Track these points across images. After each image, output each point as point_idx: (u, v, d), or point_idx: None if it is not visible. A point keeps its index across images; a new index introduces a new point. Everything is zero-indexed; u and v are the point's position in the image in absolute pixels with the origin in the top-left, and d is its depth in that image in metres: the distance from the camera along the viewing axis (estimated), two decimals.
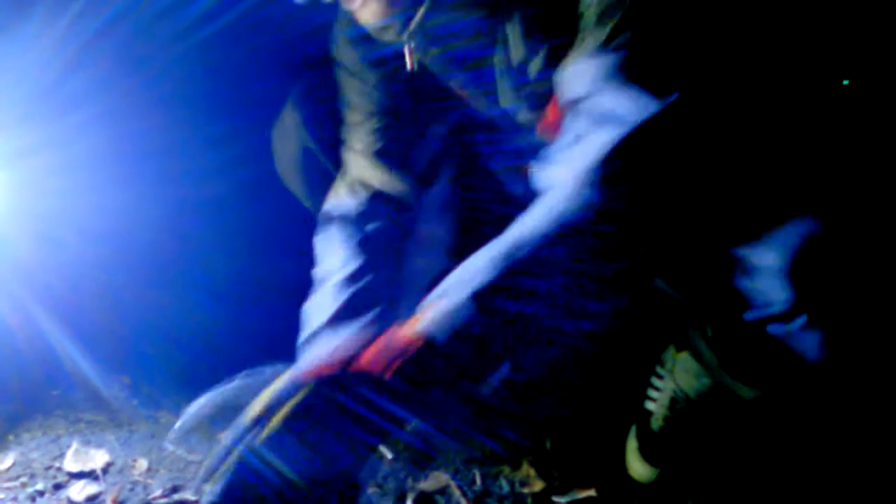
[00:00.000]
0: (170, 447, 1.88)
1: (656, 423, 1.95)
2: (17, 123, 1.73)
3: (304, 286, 2.14)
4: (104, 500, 1.72)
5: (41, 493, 1.72)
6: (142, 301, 2.00)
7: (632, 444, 1.96)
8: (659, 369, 1.99)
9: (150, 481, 1.79)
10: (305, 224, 2.12)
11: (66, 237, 1.87)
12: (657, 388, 1.98)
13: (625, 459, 1.96)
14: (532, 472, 1.91)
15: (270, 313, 2.18)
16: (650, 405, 1.98)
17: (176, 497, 1.75)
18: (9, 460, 1.80)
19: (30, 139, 1.74)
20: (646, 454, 1.93)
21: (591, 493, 1.85)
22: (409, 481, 1.86)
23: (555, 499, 1.84)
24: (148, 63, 1.82)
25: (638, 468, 1.92)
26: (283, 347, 2.17)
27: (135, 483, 1.78)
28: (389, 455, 1.93)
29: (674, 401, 1.94)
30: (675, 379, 1.93)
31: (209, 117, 1.94)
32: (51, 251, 1.88)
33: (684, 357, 1.90)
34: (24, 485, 1.74)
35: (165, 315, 2.09)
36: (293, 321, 2.16)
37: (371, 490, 1.82)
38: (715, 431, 1.98)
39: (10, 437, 1.87)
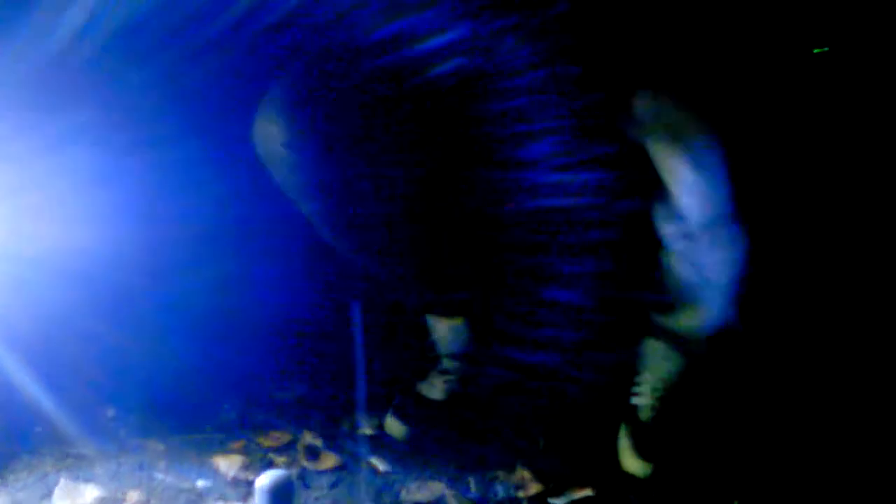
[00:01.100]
0: (160, 476, 1.86)
1: (644, 415, 1.97)
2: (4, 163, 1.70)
3: (275, 319, 2.18)
4: None
5: None
6: (118, 336, 1.98)
7: (624, 441, 1.97)
8: (640, 365, 2.02)
9: None
10: (279, 261, 2.14)
11: (40, 279, 1.84)
12: (640, 383, 2.01)
13: (619, 457, 1.96)
14: (527, 474, 1.91)
15: (245, 345, 2.19)
16: (636, 400, 2.00)
17: None
18: None
19: (3, 182, 1.72)
20: (639, 449, 1.94)
21: (588, 492, 1.85)
22: (404, 493, 1.85)
23: (551, 500, 1.84)
24: (123, 106, 1.80)
25: (632, 464, 1.92)
26: (255, 374, 2.19)
27: None
28: (382, 467, 1.92)
29: (654, 389, 1.98)
30: (651, 368, 1.99)
31: (185, 160, 1.93)
32: (23, 292, 1.85)
33: (652, 342, 1.97)
34: None
35: (142, 349, 2.07)
36: (266, 352, 2.18)
37: None
38: (704, 425, 2.01)
39: None
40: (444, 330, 2.09)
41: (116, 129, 1.81)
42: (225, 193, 2.06)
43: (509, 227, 1.95)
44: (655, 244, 1.84)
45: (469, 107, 1.83)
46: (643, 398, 2.00)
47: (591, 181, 1.82)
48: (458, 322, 2.07)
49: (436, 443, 2.02)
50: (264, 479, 1.55)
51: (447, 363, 2.11)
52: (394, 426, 2.04)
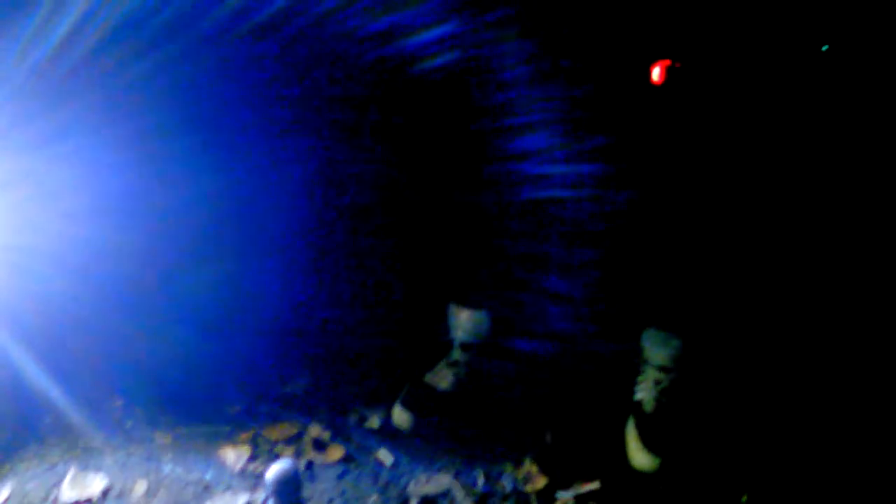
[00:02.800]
0: (168, 467, 1.86)
1: (648, 407, 1.98)
2: None
3: (282, 312, 2.17)
4: None
5: None
6: (124, 328, 1.99)
7: (631, 434, 1.96)
8: (641, 358, 2.05)
9: (150, 503, 1.77)
10: (286, 256, 2.14)
11: (44, 270, 1.85)
12: (641, 380, 2.03)
13: (626, 452, 1.95)
14: (534, 468, 1.90)
15: (252, 338, 2.18)
16: (639, 395, 2.01)
17: None
18: (5, 492, 1.77)
19: (4, 172, 1.72)
20: (646, 442, 1.93)
21: (595, 486, 1.84)
22: (411, 486, 1.84)
23: (558, 494, 1.83)
24: (123, 97, 1.80)
25: (640, 458, 1.91)
26: (262, 365, 2.19)
27: None
28: (390, 460, 1.92)
29: (657, 381, 2.00)
30: (650, 358, 2.01)
31: (187, 152, 1.93)
32: (29, 283, 1.86)
33: (651, 332, 2.02)
34: None
35: (149, 340, 2.08)
36: (271, 339, 2.18)
37: (373, 498, 1.80)
38: (710, 418, 2.00)
39: (6, 468, 1.84)
40: (465, 320, 2.08)
41: (124, 123, 1.82)
42: (233, 190, 2.06)
43: (509, 218, 1.95)
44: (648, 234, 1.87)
45: (462, 100, 1.84)
46: (646, 391, 2.00)
47: (585, 172, 1.83)
48: (480, 312, 2.07)
49: (443, 435, 2.01)
50: (273, 470, 1.56)
51: (457, 354, 2.11)
52: (401, 417, 2.03)
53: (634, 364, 2.05)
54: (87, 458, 1.88)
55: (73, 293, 1.89)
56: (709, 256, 1.93)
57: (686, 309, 2.00)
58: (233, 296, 2.12)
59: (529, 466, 1.91)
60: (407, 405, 2.04)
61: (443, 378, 2.10)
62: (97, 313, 1.95)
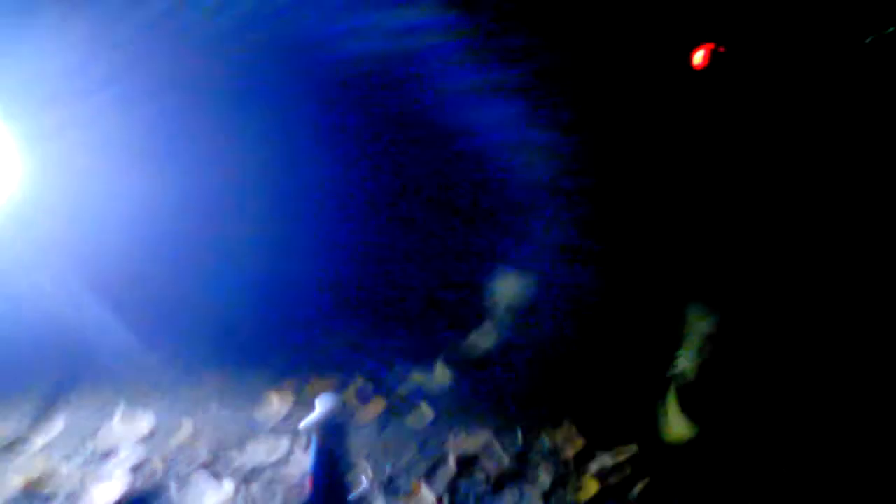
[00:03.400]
0: (214, 408, 1.91)
1: (689, 375, 1.98)
2: (44, 105, 1.73)
3: (329, 263, 2.20)
4: (152, 463, 1.75)
5: (91, 458, 1.75)
6: (182, 275, 2.02)
7: (671, 403, 1.95)
8: (682, 334, 2.04)
9: (196, 442, 1.81)
10: (335, 214, 2.16)
11: (98, 215, 1.89)
12: (682, 351, 2.02)
13: (665, 419, 1.95)
14: (573, 430, 1.90)
15: (301, 287, 2.22)
16: (680, 365, 2.01)
17: (222, 455, 1.78)
18: (59, 424, 1.83)
19: (55, 120, 1.75)
20: (686, 410, 1.92)
21: (633, 450, 1.84)
22: (451, 441, 1.86)
23: (597, 455, 1.83)
24: (178, 45, 1.82)
25: (678, 425, 1.91)
26: (311, 318, 2.21)
27: (181, 445, 1.80)
28: (430, 415, 1.94)
29: (699, 351, 1.99)
30: (692, 330, 2.01)
31: (237, 107, 1.96)
32: (84, 229, 1.90)
33: (693, 305, 2.02)
34: (73, 449, 1.77)
35: (204, 288, 2.11)
36: (321, 293, 2.20)
37: (412, 451, 1.83)
38: (747, 394, 1.99)
39: (61, 402, 1.90)
40: (511, 282, 2.09)
41: (192, 80, 1.84)
42: (290, 150, 2.08)
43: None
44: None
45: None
46: (688, 361, 1.99)
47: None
48: (526, 275, 2.08)
49: (484, 393, 2.02)
50: (323, 401, 1.58)
51: (502, 314, 2.12)
52: (443, 374, 2.05)
53: (676, 334, 2.04)
54: (137, 397, 1.93)
55: (126, 241, 1.93)
56: (756, 234, 1.92)
57: (729, 282, 1.99)
58: (286, 250, 2.15)
59: (568, 428, 1.91)
60: (449, 363, 2.06)
61: (486, 338, 2.11)
62: (156, 260, 1.99)
